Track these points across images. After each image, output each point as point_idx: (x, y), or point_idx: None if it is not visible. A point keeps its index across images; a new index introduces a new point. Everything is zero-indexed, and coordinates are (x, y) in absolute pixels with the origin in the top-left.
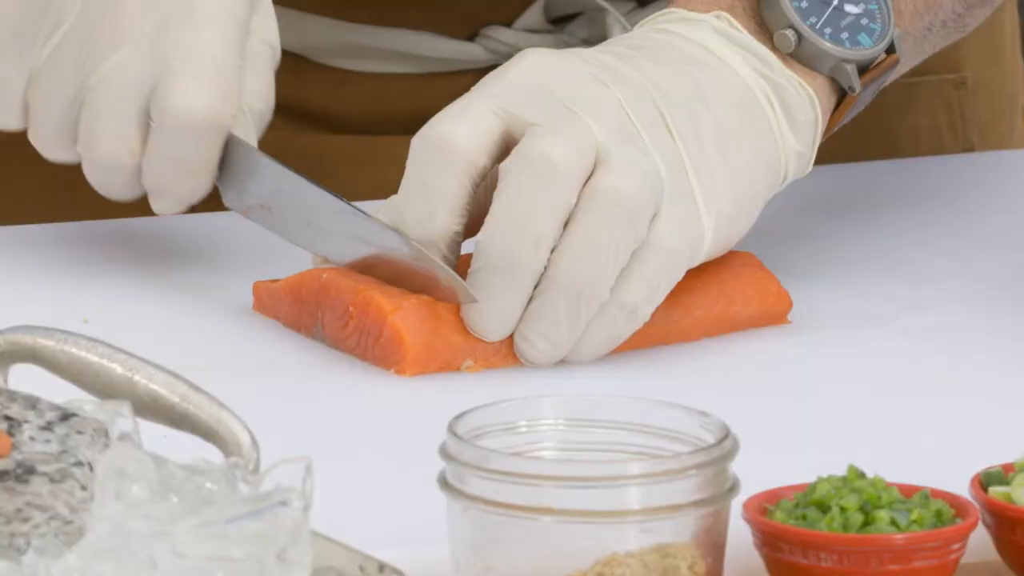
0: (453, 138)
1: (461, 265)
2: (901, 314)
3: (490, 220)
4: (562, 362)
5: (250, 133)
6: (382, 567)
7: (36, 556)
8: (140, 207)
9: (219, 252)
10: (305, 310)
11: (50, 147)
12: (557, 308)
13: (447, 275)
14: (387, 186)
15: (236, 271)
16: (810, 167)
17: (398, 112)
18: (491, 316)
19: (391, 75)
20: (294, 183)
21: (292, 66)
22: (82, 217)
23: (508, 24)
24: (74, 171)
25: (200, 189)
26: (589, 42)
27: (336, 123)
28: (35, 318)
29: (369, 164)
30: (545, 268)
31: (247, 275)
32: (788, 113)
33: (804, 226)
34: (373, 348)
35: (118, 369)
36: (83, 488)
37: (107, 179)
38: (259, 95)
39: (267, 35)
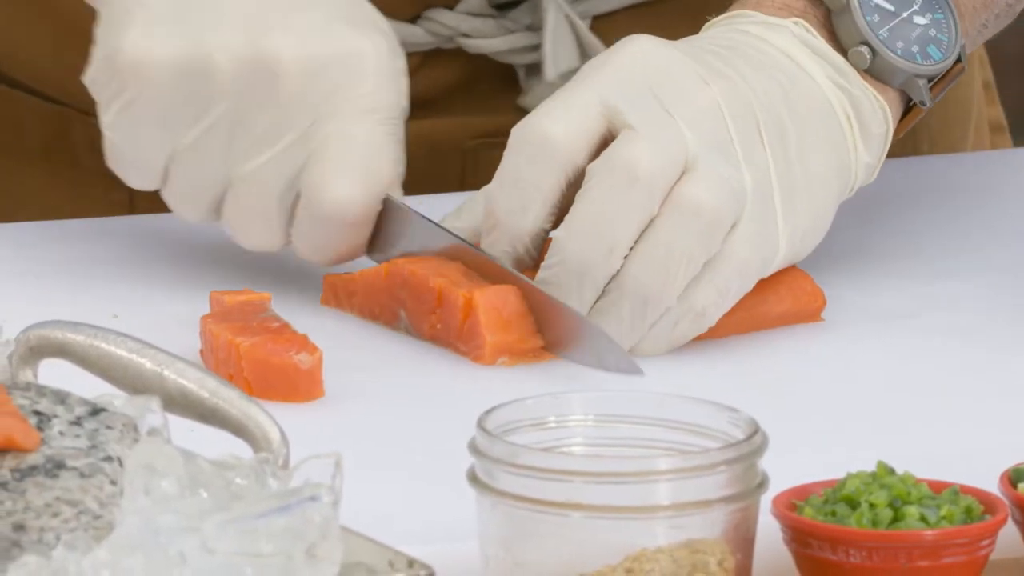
0: (554, 137)
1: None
2: (933, 311)
3: (569, 220)
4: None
5: (398, 191)
6: (411, 563)
7: (66, 551)
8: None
9: (241, 251)
10: (383, 301)
11: (186, 216)
12: (621, 311)
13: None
14: None
15: (261, 270)
16: (874, 177)
17: None
18: None
19: None
20: (434, 235)
21: None
22: (111, 213)
23: (451, 7)
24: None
25: (350, 261)
26: (531, 28)
27: None
28: (64, 313)
29: None
30: (618, 270)
31: (272, 275)
32: (862, 125)
33: (837, 223)
34: (455, 337)
35: (147, 364)
36: (112, 483)
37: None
38: (400, 159)
39: (404, 99)
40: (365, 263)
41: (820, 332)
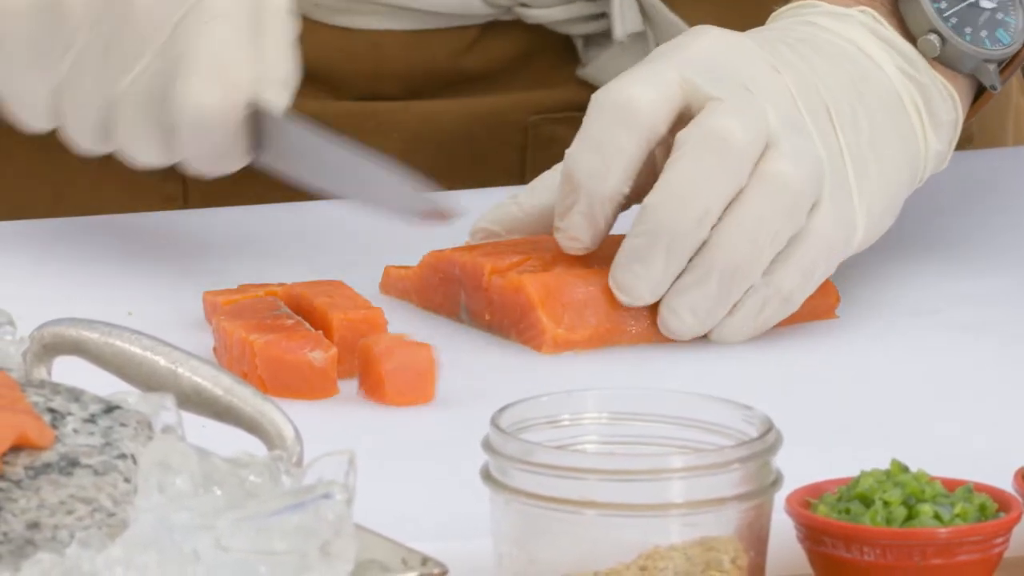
0: (638, 101)
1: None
2: (946, 308)
3: (660, 187)
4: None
5: (280, 95)
6: (425, 560)
7: (80, 548)
8: (188, 198)
9: (262, 244)
10: (443, 291)
11: (85, 148)
12: (710, 283)
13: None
14: (384, 151)
15: (275, 263)
16: (946, 164)
17: (395, 70)
18: (644, 280)
19: (388, 32)
20: (306, 138)
21: None
22: (165, 207)
23: None
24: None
25: (235, 165)
26: None
27: (333, 82)
28: (79, 311)
29: (369, 132)
30: (704, 243)
31: (286, 269)
32: (932, 114)
33: None
34: (514, 328)
35: (162, 362)
36: (127, 481)
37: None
38: (279, 60)
39: (277, 6)
40: (421, 243)
41: (834, 329)
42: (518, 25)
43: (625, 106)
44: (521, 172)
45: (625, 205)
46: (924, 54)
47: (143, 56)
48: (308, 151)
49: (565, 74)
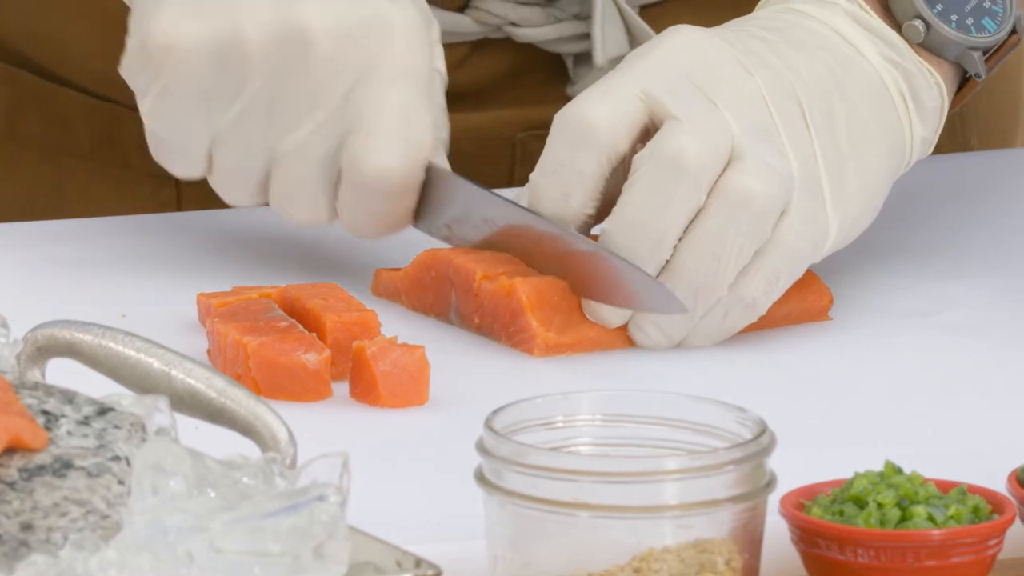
0: (594, 120)
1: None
2: (940, 310)
3: (617, 213)
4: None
5: (442, 158)
6: (419, 562)
7: (73, 550)
8: (182, 203)
9: (256, 246)
10: (434, 291)
11: (235, 200)
12: None
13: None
14: None
15: (269, 266)
16: (931, 150)
17: None
18: (609, 306)
19: None
20: (483, 199)
21: None
22: (159, 210)
23: None
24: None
25: (400, 228)
26: (579, 17)
27: None
28: (73, 313)
29: None
30: (667, 262)
31: (280, 271)
32: (917, 100)
33: None
34: (504, 332)
35: (155, 364)
36: (120, 483)
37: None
38: (441, 125)
39: (439, 64)
40: (416, 248)
41: (827, 331)
42: (508, 43)
43: (582, 128)
44: (509, 187)
45: (597, 220)
46: (908, 40)
47: (317, 110)
48: (476, 210)
49: (554, 91)
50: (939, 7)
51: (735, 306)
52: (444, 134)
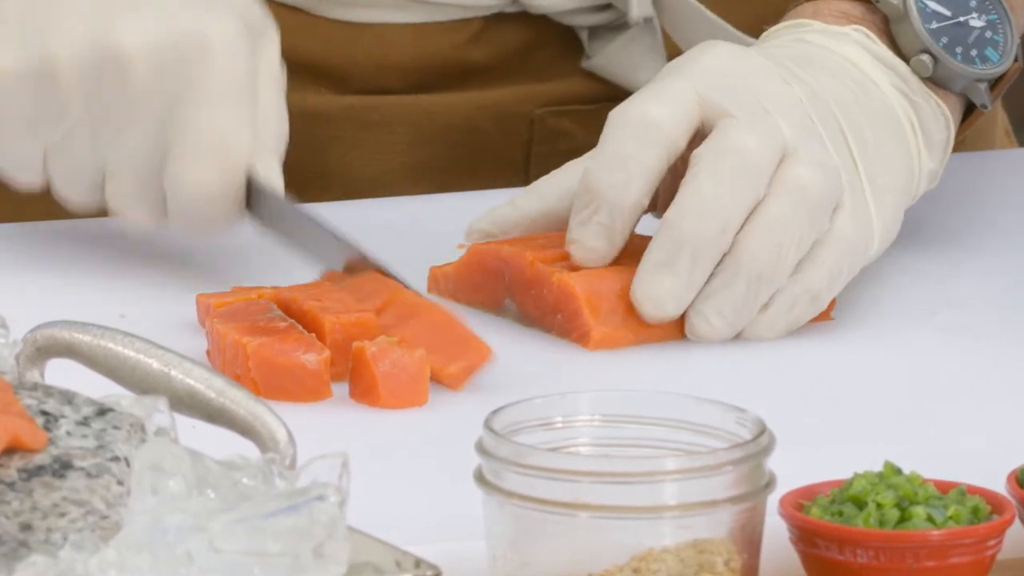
0: (657, 117)
1: (631, 243)
2: (940, 311)
3: (679, 201)
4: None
5: (271, 164)
6: (418, 563)
7: (73, 551)
8: None
9: (255, 247)
10: (488, 288)
11: (78, 207)
12: (737, 288)
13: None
14: (389, 145)
15: (268, 266)
16: (936, 183)
17: (400, 64)
18: (669, 289)
19: (392, 25)
20: (310, 227)
21: (292, 19)
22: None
23: None
24: None
25: (226, 231)
26: None
27: (338, 76)
28: (72, 313)
29: (372, 125)
30: (728, 249)
31: (279, 272)
32: (925, 132)
33: None
34: (561, 323)
35: (155, 364)
36: (120, 483)
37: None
38: (270, 127)
39: (271, 67)
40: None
41: (828, 331)
42: (523, 17)
43: (645, 123)
44: (526, 165)
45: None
46: (917, 74)
47: (137, 130)
48: (293, 224)
49: (570, 66)
50: (944, 40)
51: (801, 297)
52: (273, 132)
